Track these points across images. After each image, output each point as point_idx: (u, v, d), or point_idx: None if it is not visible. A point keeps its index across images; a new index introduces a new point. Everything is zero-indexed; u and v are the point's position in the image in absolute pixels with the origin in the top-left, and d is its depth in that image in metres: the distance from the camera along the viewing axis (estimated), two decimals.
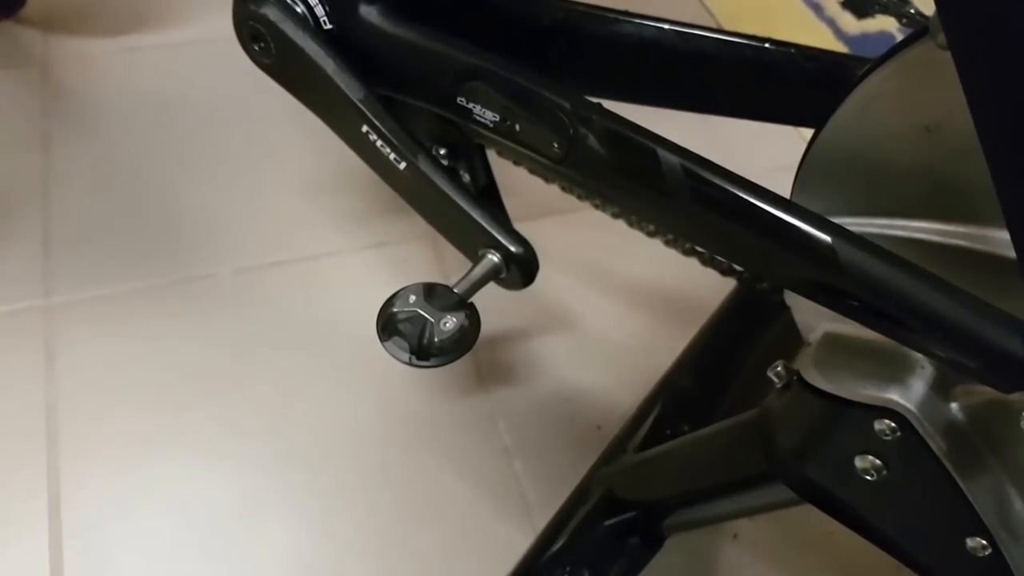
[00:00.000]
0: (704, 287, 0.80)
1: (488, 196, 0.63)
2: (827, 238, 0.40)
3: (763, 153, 0.78)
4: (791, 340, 0.72)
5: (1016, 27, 0.29)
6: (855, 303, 0.40)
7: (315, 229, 0.87)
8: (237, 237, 0.86)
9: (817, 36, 1.16)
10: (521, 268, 0.53)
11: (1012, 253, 0.33)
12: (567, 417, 0.78)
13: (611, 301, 0.86)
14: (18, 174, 0.88)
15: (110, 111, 0.96)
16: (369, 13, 0.53)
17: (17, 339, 0.77)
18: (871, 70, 0.40)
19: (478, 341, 0.52)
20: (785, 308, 0.50)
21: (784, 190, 0.43)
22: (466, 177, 0.62)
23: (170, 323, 0.79)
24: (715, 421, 0.58)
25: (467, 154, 0.60)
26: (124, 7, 1.07)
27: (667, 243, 0.59)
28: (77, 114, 0.95)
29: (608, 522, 0.66)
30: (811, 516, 0.49)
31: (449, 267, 0.85)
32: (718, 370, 0.74)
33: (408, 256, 0.86)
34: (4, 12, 1.02)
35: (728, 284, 0.82)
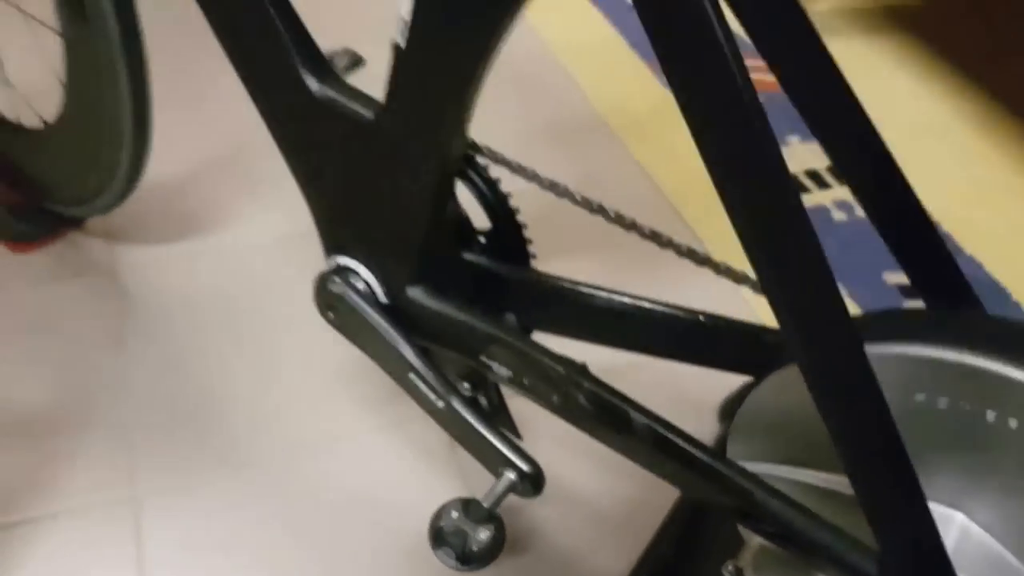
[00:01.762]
0: None
1: (499, 411, 0.81)
2: (745, 483, 0.57)
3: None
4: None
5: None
6: (766, 530, 0.58)
7: (344, 412, 1.01)
8: (279, 424, 0.99)
9: None
10: (532, 484, 0.70)
11: None
12: None
13: (599, 470, 0.98)
14: (98, 373, 1.03)
15: (176, 312, 1.10)
16: (415, 292, 0.72)
17: (106, 526, 0.89)
18: (779, 362, 0.59)
19: None
20: None
21: None
22: (483, 400, 0.80)
23: (238, 508, 0.92)
24: None
25: (485, 385, 0.79)
26: (180, 214, 1.23)
27: None
28: (147, 316, 1.09)
29: None
30: None
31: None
32: (696, 540, 0.89)
33: (426, 433, 0.98)
34: (71, 224, 1.17)
35: None
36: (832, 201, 1.31)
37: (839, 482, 0.57)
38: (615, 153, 1.39)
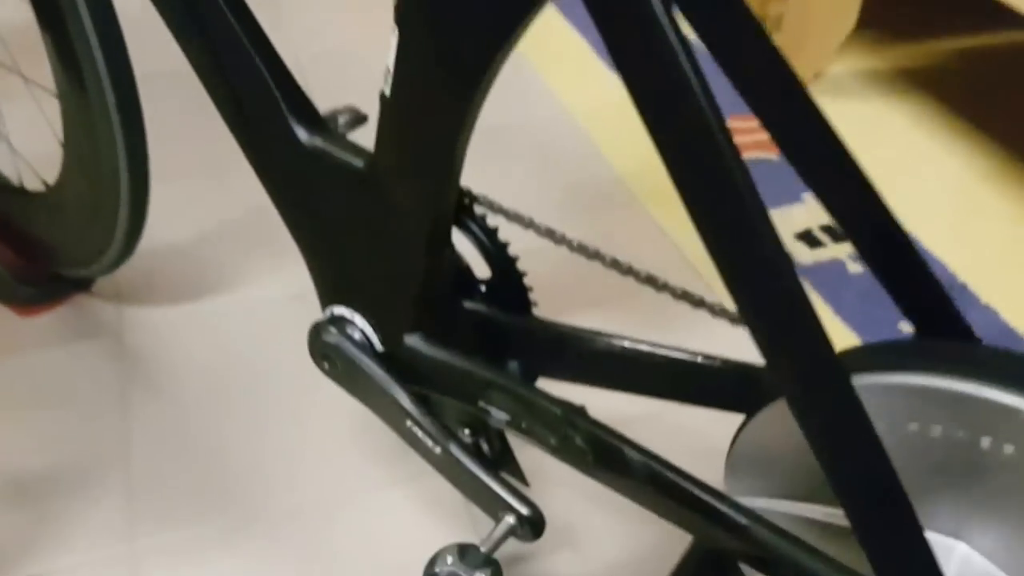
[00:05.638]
0: None
1: (503, 457, 0.80)
2: (743, 519, 0.57)
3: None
4: None
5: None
6: (765, 566, 0.57)
7: (353, 468, 1.01)
8: (287, 480, 0.99)
9: None
10: (531, 527, 0.70)
11: None
12: None
13: (612, 517, 0.97)
14: (103, 436, 1.03)
15: (182, 372, 1.11)
16: (412, 340, 0.72)
17: None
18: (771, 397, 0.59)
19: None
20: None
21: None
22: (485, 446, 0.79)
23: (235, 564, 0.91)
24: None
25: (485, 429, 0.78)
26: (187, 274, 1.24)
27: None
28: (152, 377, 1.10)
29: None
30: None
31: None
32: None
33: (438, 488, 0.98)
34: (78, 287, 1.19)
35: None
36: (847, 255, 1.33)
37: (838, 515, 0.56)
38: (636, 217, 1.39)
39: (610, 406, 0.74)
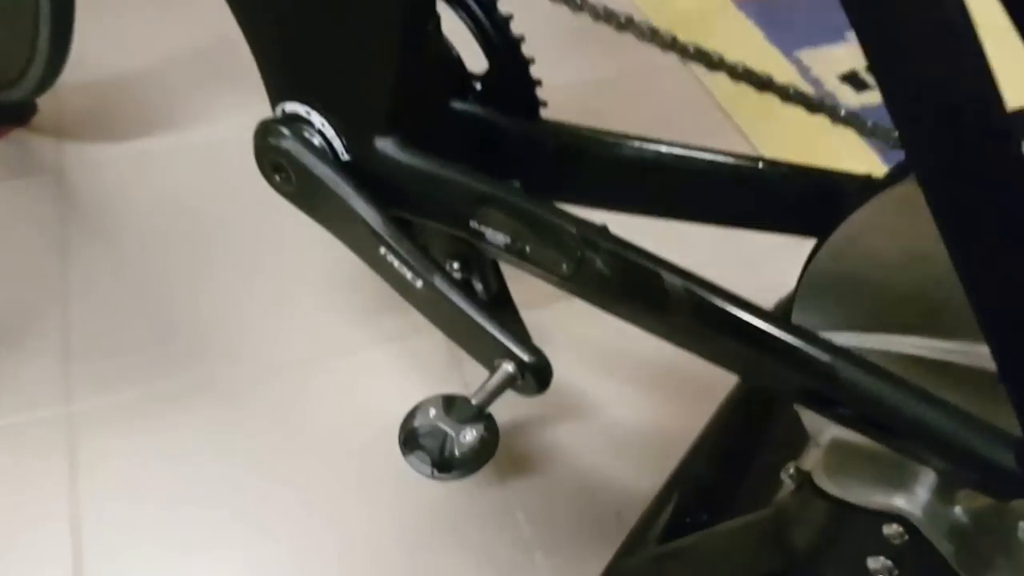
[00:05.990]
0: (717, 370, 0.82)
1: (501, 303, 0.65)
2: (826, 357, 0.42)
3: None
4: (801, 428, 0.74)
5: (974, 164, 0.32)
6: (854, 416, 0.42)
7: (328, 325, 0.90)
8: (251, 336, 0.88)
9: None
10: (535, 376, 0.55)
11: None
12: (586, 505, 0.79)
13: (625, 385, 0.88)
14: (37, 282, 0.91)
15: (126, 216, 0.98)
16: (384, 145, 0.56)
17: (40, 449, 0.78)
18: (866, 193, 0.43)
19: None
20: None
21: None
22: (479, 287, 0.64)
23: (191, 428, 0.80)
24: (732, 510, 0.59)
25: (479, 264, 0.63)
26: (134, 112, 1.10)
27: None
28: (93, 220, 0.98)
29: None
30: None
31: (463, 357, 0.87)
32: (733, 457, 0.76)
33: (423, 348, 0.88)
34: (16, 121, 1.06)
35: None
36: None
37: (959, 350, 0.41)
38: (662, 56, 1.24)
39: None
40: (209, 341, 0.88)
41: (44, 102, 1.08)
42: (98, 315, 0.89)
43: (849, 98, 1.19)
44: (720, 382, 0.83)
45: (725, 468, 0.76)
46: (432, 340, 0.88)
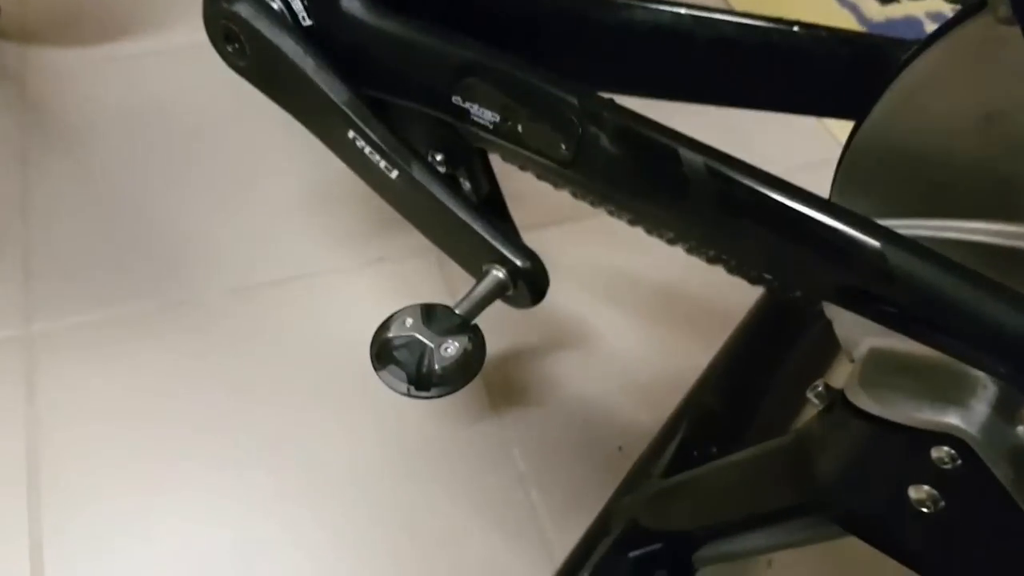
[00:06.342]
0: (730, 295, 0.75)
1: (491, 205, 0.58)
2: (875, 243, 0.35)
3: (787, 150, 0.73)
4: (822, 356, 0.67)
5: None
6: (907, 315, 0.35)
7: (310, 245, 0.83)
8: (227, 256, 0.82)
9: (838, 23, 1.10)
10: (529, 284, 0.48)
11: None
12: (585, 439, 0.72)
13: (629, 313, 0.81)
14: None
15: (91, 126, 0.91)
16: (352, 6, 0.48)
17: None
18: (918, 52, 0.35)
19: (486, 362, 0.47)
20: (819, 319, 0.45)
21: (812, 190, 0.38)
22: (467, 185, 0.57)
23: (160, 351, 0.74)
24: (743, 443, 0.53)
25: (467, 159, 0.55)
26: (103, 15, 1.03)
27: (689, 250, 0.54)
28: (56, 130, 0.91)
29: (633, 554, 0.60)
30: (855, 541, 0.44)
31: (456, 282, 0.80)
32: (746, 387, 0.69)
33: (411, 271, 0.81)
34: None
35: (756, 292, 0.76)
36: (924, 12, 1.12)
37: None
38: None
39: None
40: (180, 261, 0.81)
41: (8, 3, 1.00)
42: (61, 232, 0.83)
43: (874, 11, 1.13)
44: (732, 311, 0.77)
45: (737, 398, 0.69)
46: (423, 263, 0.82)
